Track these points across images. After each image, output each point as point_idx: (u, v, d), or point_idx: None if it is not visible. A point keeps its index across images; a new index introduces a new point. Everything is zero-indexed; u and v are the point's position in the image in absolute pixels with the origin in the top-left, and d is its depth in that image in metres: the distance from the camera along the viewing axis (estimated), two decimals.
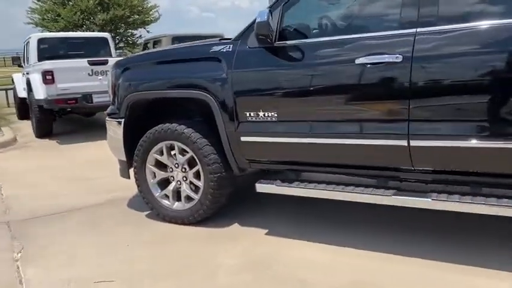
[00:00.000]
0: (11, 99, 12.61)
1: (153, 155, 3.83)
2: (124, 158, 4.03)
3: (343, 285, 2.72)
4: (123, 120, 3.91)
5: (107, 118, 4.10)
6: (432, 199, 2.83)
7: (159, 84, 3.67)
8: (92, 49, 9.70)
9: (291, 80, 3.17)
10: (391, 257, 2.99)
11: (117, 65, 4.02)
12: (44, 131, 8.60)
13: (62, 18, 22.02)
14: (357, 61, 2.88)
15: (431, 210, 2.88)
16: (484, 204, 2.69)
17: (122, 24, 24.31)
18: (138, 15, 24.38)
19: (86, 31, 21.50)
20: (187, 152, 3.66)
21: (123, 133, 3.93)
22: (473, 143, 2.66)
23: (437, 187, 2.96)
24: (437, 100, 2.72)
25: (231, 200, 3.84)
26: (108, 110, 4.11)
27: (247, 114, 3.31)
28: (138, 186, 3.95)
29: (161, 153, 3.81)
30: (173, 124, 3.66)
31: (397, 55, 2.77)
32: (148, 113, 3.98)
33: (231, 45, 3.38)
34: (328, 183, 3.25)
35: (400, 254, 3.00)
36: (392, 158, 2.93)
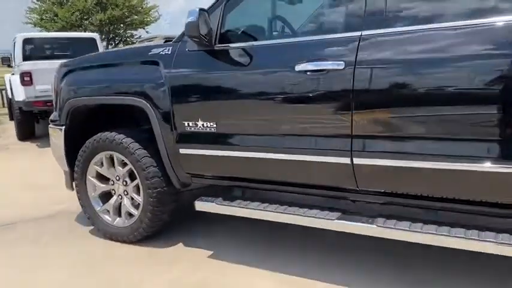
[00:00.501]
0: None
1: (93, 166, 3.52)
2: (67, 168, 3.72)
3: None
4: (63, 127, 3.60)
5: (50, 125, 3.80)
6: (378, 226, 2.46)
7: (95, 90, 3.37)
8: (80, 50, 9.39)
9: (229, 87, 2.84)
10: None
11: (61, 67, 3.72)
12: (24, 134, 8.38)
13: (60, 18, 21.93)
14: (297, 68, 2.54)
15: None
16: (434, 234, 2.32)
17: (121, 25, 24.18)
18: (136, 15, 24.21)
19: (84, 31, 21.37)
20: (127, 164, 3.34)
21: (64, 142, 3.63)
22: (423, 163, 2.30)
23: (389, 210, 2.59)
24: (383, 113, 2.37)
25: (179, 216, 3.52)
26: (52, 116, 3.81)
27: (186, 124, 2.99)
28: (79, 199, 3.65)
29: (101, 165, 3.49)
30: (112, 133, 3.35)
31: (339, 61, 2.42)
32: (93, 120, 3.67)
33: (171, 48, 3.07)
34: (277, 203, 2.89)
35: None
36: (336, 176, 2.59)
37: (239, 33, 2.92)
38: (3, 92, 12.66)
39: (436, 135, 2.27)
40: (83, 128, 3.63)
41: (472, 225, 2.34)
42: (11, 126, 9.98)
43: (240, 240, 3.40)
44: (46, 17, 23.17)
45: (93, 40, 9.65)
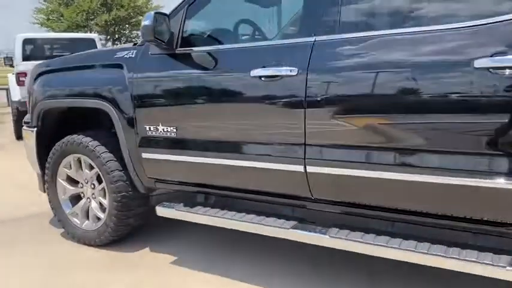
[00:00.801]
0: None
1: (63, 169, 3.51)
2: (39, 171, 3.71)
3: None
4: (35, 129, 3.59)
5: (23, 127, 3.80)
6: (330, 236, 2.40)
7: (63, 92, 3.35)
8: (79, 50, 9.45)
9: (186, 92, 2.80)
10: None
11: (35, 68, 3.72)
12: (21, 133, 8.41)
13: (65, 18, 22.12)
14: (252, 73, 2.49)
15: None
16: (385, 246, 2.25)
17: (126, 25, 24.31)
18: (141, 15, 24.31)
19: (90, 32, 21.53)
20: (94, 167, 3.32)
21: (36, 144, 3.62)
22: (374, 172, 2.23)
23: (345, 220, 2.53)
24: (334, 121, 2.31)
25: (151, 220, 3.49)
26: (25, 117, 3.81)
27: (147, 128, 2.96)
28: (49, 201, 3.64)
29: (71, 167, 3.48)
30: (79, 136, 3.33)
31: (292, 67, 2.36)
32: (69, 123, 3.65)
33: (135, 51, 3.04)
34: (240, 210, 2.85)
35: None
36: (291, 185, 2.53)
37: (200, 37, 2.89)
38: (8, 91, 12.83)
39: (385, 145, 2.20)
40: (57, 130, 3.61)
41: (426, 237, 2.26)
42: (11, 126, 10.07)
43: (207, 247, 3.35)
44: (52, 17, 23.41)
45: (92, 41, 9.69)
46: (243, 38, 2.87)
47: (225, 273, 2.93)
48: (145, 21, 2.63)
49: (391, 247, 2.23)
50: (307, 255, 3.09)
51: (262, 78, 2.46)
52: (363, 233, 2.38)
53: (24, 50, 9.04)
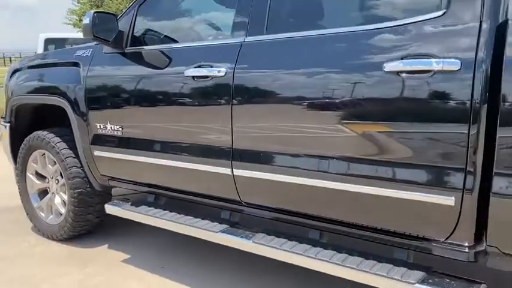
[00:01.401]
0: None
1: (31, 164, 3.59)
2: (14, 165, 3.82)
3: None
4: (8, 124, 3.70)
5: (1, 122, 3.91)
6: (254, 242, 2.34)
7: (29, 89, 3.43)
8: None
9: (130, 91, 2.81)
10: None
11: (12, 65, 3.83)
12: None
13: None
14: (186, 73, 2.47)
15: None
16: (301, 255, 2.17)
17: None
18: None
19: None
20: (56, 163, 3.38)
21: (10, 138, 3.72)
22: (297, 179, 2.16)
23: (277, 226, 2.46)
24: (258, 124, 2.25)
25: (116, 218, 3.52)
26: (3, 113, 3.92)
27: (98, 126, 2.99)
28: (20, 194, 3.73)
29: (38, 162, 3.55)
30: (43, 132, 3.40)
31: (221, 68, 2.33)
32: (40, 119, 3.73)
33: (91, 50, 3.07)
34: (180, 211, 2.83)
35: None
36: (222, 187, 2.49)
37: (148, 37, 2.88)
38: None
39: (302, 151, 2.12)
40: (32, 126, 3.69)
41: (346, 248, 2.17)
42: None
43: (161, 248, 3.33)
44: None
45: None
46: (187, 37, 2.83)
47: (169, 275, 2.90)
48: (85, 20, 2.65)
49: (307, 256, 2.14)
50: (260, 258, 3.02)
51: (195, 79, 2.43)
52: (286, 240, 2.30)
53: (46, 48, 9.38)
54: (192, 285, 2.75)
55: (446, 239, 1.83)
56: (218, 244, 2.54)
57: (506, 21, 1.64)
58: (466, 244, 1.81)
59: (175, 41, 2.83)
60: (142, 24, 2.86)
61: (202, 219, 2.65)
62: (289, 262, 2.24)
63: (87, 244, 3.42)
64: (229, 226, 2.54)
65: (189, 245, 3.29)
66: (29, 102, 3.50)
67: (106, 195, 3.37)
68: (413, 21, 1.83)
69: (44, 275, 2.95)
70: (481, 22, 1.67)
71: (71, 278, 2.91)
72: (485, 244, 1.76)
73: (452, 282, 1.87)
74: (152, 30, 2.88)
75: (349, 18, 2.13)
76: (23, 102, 3.55)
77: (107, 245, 3.42)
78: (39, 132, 3.43)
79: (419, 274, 1.92)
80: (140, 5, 2.85)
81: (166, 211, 2.82)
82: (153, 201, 3.04)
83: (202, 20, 2.75)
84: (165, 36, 2.87)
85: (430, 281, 1.88)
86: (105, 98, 2.94)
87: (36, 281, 2.90)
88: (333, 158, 2.03)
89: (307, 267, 2.17)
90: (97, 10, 2.69)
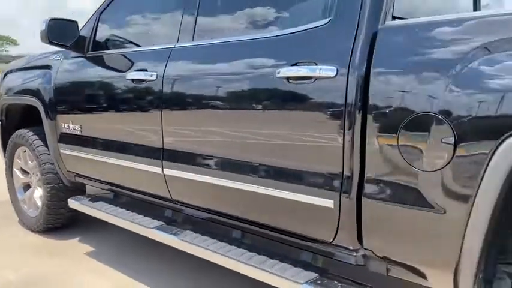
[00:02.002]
0: None
1: (16, 160, 3.86)
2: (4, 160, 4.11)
3: None
4: (0, 122, 3.99)
5: None
6: (179, 239, 2.45)
7: (12, 89, 3.69)
8: None
9: (86, 93, 3.00)
10: None
11: (7, 68, 4.12)
12: None
13: None
14: (127, 76, 2.63)
15: None
16: (214, 252, 2.26)
17: None
18: None
19: None
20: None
21: (1, 135, 4.01)
22: (217, 179, 2.25)
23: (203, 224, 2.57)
24: (182, 126, 2.37)
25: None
26: None
27: (63, 125, 3.20)
28: (8, 188, 4.00)
29: (20, 158, 3.82)
30: (25, 130, 3.65)
31: (153, 72, 2.47)
32: (27, 117, 3.99)
33: (62, 54, 3.29)
34: (128, 208, 2.99)
35: None
36: (156, 185, 2.61)
37: (106, 42, 3.05)
38: None
39: (220, 153, 2.22)
40: (20, 124, 3.96)
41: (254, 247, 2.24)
42: None
43: (126, 243, 3.47)
44: None
45: None
46: (135, 43, 2.97)
47: (125, 269, 3.05)
48: (41, 27, 2.86)
49: (218, 253, 2.23)
50: None
51: (134, 82, 2.58)
52: (208, 238, 2.40)
53: None
54: (146, 282, 2.86)
55: (332, 241, 1.87)
56: None
57: (376, 32, 1.68)
58: (351, 247, 1.84)
59: (127, 46, 2.98)
60: (102, 30, 3.04)
61: (144, 215, 2.78)
62: (205, 258, 2.32)
63: (60, 237, 3.63)
64: (165, 223, 2.66)
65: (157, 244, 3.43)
66: (14, 102, 3.76)
67: (78, 191, 3.56)
68: (303, 29, 1.89)
69: (11, 263, 3.17)
70: (356, 31, 1.71)
71: (36, 267, 3.11)
72: (363, 247, 1.80)
73: (340, 284, 1.90)
74: (110, 36, 3.05)
75: (254, 27, 2.21)
76: (10, 102, 3.82)
77: (77, 239, 3.61)
78: (22, 130, 3.68)
79: (312, 275, 1.96)
80: (101, 12, 3.03)
81: (117, 207, 2.98)
82: (112, 198, 3.20)
83: (148, 28, 2.88)
84: (120, 41, 3.03)
85: (319, 281, 1.92)
86: (68, 99, 3.14)
87: (2, 265, 3.11)
88: (236, 159, 2.12)
89: (219, 263, 2.26)
90: (54, 17, 2.88)
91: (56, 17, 2.91)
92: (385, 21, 1.69)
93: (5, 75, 4.01)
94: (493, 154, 1.37)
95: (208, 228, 2.54)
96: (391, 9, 1.73)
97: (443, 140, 1.47)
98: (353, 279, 1.93)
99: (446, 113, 1.46)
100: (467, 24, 1.53)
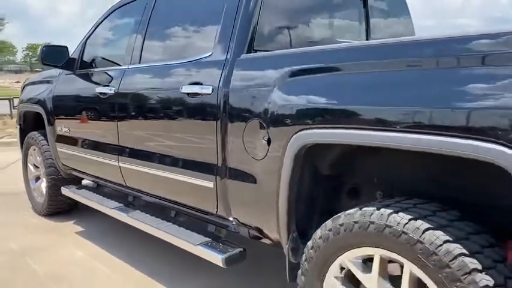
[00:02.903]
0: None
1: (29, 156, 4.75)
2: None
3: None
4: (19, 126, 4.91)
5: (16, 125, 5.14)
6: (128, 216, 3.21)
7: (27, 100, 4.58)
8: None
9: (72, 102, 3.82)
10: None
11: (25, 82, 5.05)
12: None
13: None
14: (96, 90, 3.41)
15: None
16: (141, 221, 3.01)
17: None
18: None
19: None
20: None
21: (20, 137, 4.93)
22: (151, 169, 2.99)
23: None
24: (130, 130, 3.12)
25: None
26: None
27: (59, 128, 4.03)
28: (24, 180, 4.90)
29: (32, 155, 4.71)
30: (35, 132, 4.54)
31: (112, 87, 3.24)
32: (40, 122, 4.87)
33: (59, 71, 4.13)
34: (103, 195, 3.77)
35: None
36: (116, 175, 3.37)
37: (90, 62, 3.85)
38: None
39: (149, 149, 2.96)
40: (35, 127, 4.85)
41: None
42: None
43: (113, 228, 4.24)
44: None
45: None
46: (107, 63, 3.75)
47: (101, 244, 3.82)
48: (38, 52, 3.71)
49: (151, 225, 2.96)
50: None
51: (101, 95, 3.36)
52: (147, 214, 3.13)
53: None
54: (115, 254, 3.61)
55: (216, 212, 2.56)
56: None
57: (234, 63, 2.37)
58: (227, 217, 2.52)
59: (101, 66, 3.76)
60: (87, 53, 3.85)
61: (111, 200, 3.56)
62: (142, 229, 3.05)
63: (58, 219, 4.47)
64: (123, 205, 3.42)
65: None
66: (28, 110, 4.66)
67: (74, 182, 4.38)
68: (196, 59, 2.61)
69: (14, 237, 4.02)
70: (224, 62, 2.41)
71: (33, 240, 3.94)
72: (233, 216, 2.47)
73: (221, 245, 2.58)
74: (92, 57, 3.85)
75: (171, 56, 2.94)
76: (26, 110, 4.72)
77: (72, 221, 4.44)
78: (33, 132, 4.57)
79: (206, 239, 2.65)
80: (87, 39, 3.85)
81: (94, 194, 3.78)
82: (95, 187, 4.00)
83: (116, 51, 3.66)
84: (98, 61, 3.82)
85: (209, 244, 2.60)
86: (61, 107, 3.97)
87: (8, 238, 3.97)
88: (157, 153, 2.85)
89: (150, 233, 2.98)
90: (47, 44, 3.73)
91: (49, 44, 3.73)
92: (241, 55, 2.37)
93: (23, 87, 4.93)
94: (286, 146, 2.03)
95: (152, 209, 3.26)
96: (251, 45, 2.41)
97: (263, 138, 2.14)
98: (232, 242, 2.60)
99: (264, 120, 2.13)
100: (280, 57, 2.21)
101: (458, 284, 1.48)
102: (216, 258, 2.46)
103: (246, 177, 2.29)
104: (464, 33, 1.58)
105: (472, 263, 1.49)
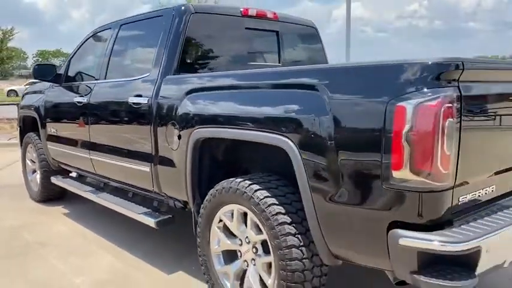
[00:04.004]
0: None
1: (27, 153, 5.76)
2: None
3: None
4: (18, 128, 5.94)
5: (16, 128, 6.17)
6: (97, 196, 4.19)
7: (25, 106, 5.61)
8: None
9: (58, 109, 4.81)
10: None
11: (24, 91, 6.07)
12: None
13: None
14: (74, 100, 4.39)
15: None
16: (106, 201, 3.99)
17: None
18: None
19: None
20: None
21: (20, 137, 5.95)
22: (111, 160, 3.96)
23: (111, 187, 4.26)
24: (96, 130, 4.11)
25: None
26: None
27: (49, 129, 5.02)
28: (22, 172, 5.91)
29: (29, 152, 5.72)
30: (31, 133, 5.55)
31: (84, 98, 4.22)
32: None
33: (50, 84, 5.12)
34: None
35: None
36: (88, 165, 4.35)
37: (72, 76, 4.84)
38: None
39: (107, 144, 3.94)
40: (33, 129, 5.85)
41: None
42: None
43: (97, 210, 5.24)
44: None
45: None
46: (84, 78, 4.73)
47: (83, 223, 4.79)
48: (31, 69, 4.71)
49: (111, 202, 3.94)
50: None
51: (77, 103, 4.34)
52: (112, 195, 4.12)
53: None
54: (95, 230, 4.61)
55: (153, 189, 3.52)
56: None
57: (162, 81, 3.34)
58: (159, 192, 3.48)
59: (80, 80, 4.74)
60: (71, 69, 4.84)
61: (86, 185, 4.55)
62: (105, 205, 4.03)
63: (50, 204, 5.45)
64: (95, 189, 4.41)
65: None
66: (26, 115, 5.67)
67: (63, 173, 5.37)
68: (140, 77, 3.58)
69: (13, 217, 5.00)
70: (156, 81, 3.37)
71: (28, 220, 4.91)
72: (163, 192, 3.44)
73: (157, 213, 3.54)
74: (74, 72, 4.83)
75: (122, 74, 3.92)
76: (24, 115, 5.74)
77: (61, 206, 5.43)
78: (30, 133, 5.57)
79: (147, 210, 3.62)
80: (71, 57, 4.86)
81: (75, 181, 4.78)
82: (77, 176, 5.00)
83: (90, 68, 4.63)
84: (78, 76, 4.80)
85: (148, 213, 3.56)
86: (51, 112, 4.96)
87: (8, 218, 4.96)
88: (114, 147, 3.83)
89: (110, 207, 3.96)
90: (38, 63, 4.74)
91: (40, 63, 4.72)
92: (166, 76, 3.34)
93: (23, 96, 5.95)
94: (188, 140, 2.99)
95: (116, 192, 4.23)
96: (176, 69, 3.37)
97: (176, 135, 3.10)
98: (166, 212, 3.56)
99: (177, 121, 3.09)
100: (187, 78, 3.18)
101: (269, 221, 2.43)
102: (150, 221, 3.42)
103: (169, 163, 3.25)
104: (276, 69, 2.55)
105: (279, 209, 2.44)
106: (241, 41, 3.89)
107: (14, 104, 16.50)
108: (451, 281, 1.83)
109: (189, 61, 3.51)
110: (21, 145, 5.96)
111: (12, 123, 14.27)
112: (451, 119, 1.84)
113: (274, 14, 4.02)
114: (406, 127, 1.86)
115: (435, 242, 1.83)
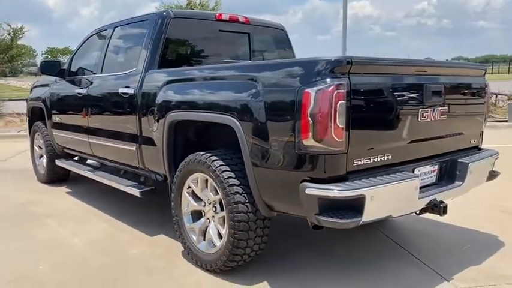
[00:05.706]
0: None
1: (35, 140, 6.48)
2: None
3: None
4: (27, 118, 6.67)
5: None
6: (93, 173, 4.90)
7: (32, 98, 6.33)
8: None
9: (63, 100, 5.52)
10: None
11: (33, 84, 6.79)
12: None
13: None
14: (75, 91, 5.09)
15: None
16: (101, 177, 4.69)
17: None
18: None
19: None
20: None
21: (28, 126, 6.68)
22: (103, 141, 4.66)
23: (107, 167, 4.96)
24: (94, 117, 4.80)
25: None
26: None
27: (53, 118, 5.73)
28: (31, 157, 6.64)
29: (37, 139, 6.44)
30: (38, 122, 6.26)
31: (84, 89, 4.92)
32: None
33: (55, 78, 5.83)
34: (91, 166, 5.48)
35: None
36: (87, 148, 5.05)
37: (74, 71, 5.53)
38: None
39: (100, 127, 4.63)
40: (40, 119, 6.57)
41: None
42: None
43: (97, 189, 5.94)
44: None
45: None
46: (85, 72, 5.42)
47: (85, 199, 5.49)
48: (39, 66, 5.42)
49: (105, 178, 4.64)
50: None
51: (78, 94, 5.04)
52: (106, 173, 4.82)
53: None
54: (93, 205, 5.32)
55: (139, 166, 4.21)
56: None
57: (145, 75, 4.04)
58: (144, 168, 4.16)
59: (81, 74, 5.43)
60: (73, 65, 5.54)
61: (85, 165, 5.26)
62: (99, 181, 4.74)
63: (54, 185, 6.16)
64: (93, 168, 5.12)
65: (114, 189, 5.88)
66: (34, 105, 6.39)
67: (66, 157, 6.07)
68: (128, 72, 4.26)
69: (23, 195, 5.71)
70: (140, 75, 4.06)
71: (34, 197, 5.62)
72: (147, 168, 4.13)
73: (142, 186, 4.23)
74: (76, 68, 5.54)
75: (114, 69, 4.61)
76: (32, 106, 6.46)
77: (64, 186, 6.14)
78: (37, 122, 6.29)
79: (134, 183, 4.31)
80: (74, 54, 5.56)
81: (76, 163, 5.48)
82: (78, 159, 5.71)
83: (90, 63, 5.30)
84: (79, 71, 5.49)
85: (135, 186, 4.25)
86: (55, 103, 5.67)
87: (19, 197, 5.67)
88: (106, 130, 4.52)
89: (102, 182, 4.66)
90: (44, 60, 5.45)
91: (47, 59, 5.43)
92: (149, 70, 4.03)
93: (31, 89, 6.68)
94: (164, 123, 3.67)
95: (110, 170, 4.93)
96: (157, 65, 4.05)
97: (155, 118, 3.78)
98: (149, 184, 4.25)
99: (156, 107, 3.77)
100: (164, 72, 3.86)
101: (222, 183, 3.11)
102: (136, 192, 4.11)
103: (150, 142, 3.93)
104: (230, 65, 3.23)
105: (230, 174, 3.11)
106: (215, 41, 4.57)
107: (23, 100, 17.37)
108: (340, 219, 2.50)
109: (169, 58, 4.18)
110: (29, 133, 6.68)
111: (22, 117, 15.04)
112: (342, 101, 2.50)
113: (246, 18, 4.69)
114: (310, 107, 2.53)
115: (328, 190, 2.50)
